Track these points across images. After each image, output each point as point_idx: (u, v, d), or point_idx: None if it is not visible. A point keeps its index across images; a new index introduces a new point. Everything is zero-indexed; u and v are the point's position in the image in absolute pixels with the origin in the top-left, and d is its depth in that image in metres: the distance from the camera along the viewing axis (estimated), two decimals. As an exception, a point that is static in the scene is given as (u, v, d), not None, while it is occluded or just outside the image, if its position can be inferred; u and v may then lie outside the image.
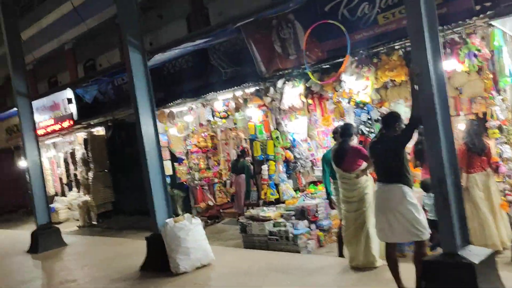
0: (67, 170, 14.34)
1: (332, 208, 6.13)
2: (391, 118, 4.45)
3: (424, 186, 5.38)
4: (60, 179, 14.83)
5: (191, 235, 6.14)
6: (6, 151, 16.65)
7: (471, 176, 5.51)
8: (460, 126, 6.15)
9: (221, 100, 9.32)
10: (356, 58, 6.60)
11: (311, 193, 7.71)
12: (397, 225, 4.26)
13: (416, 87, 4.05)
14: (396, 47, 6.34)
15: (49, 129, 13.35)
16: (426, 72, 3.92)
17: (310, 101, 7.61)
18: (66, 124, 12.66)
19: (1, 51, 11.68)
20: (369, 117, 7.09)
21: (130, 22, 6.48)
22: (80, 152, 12.77)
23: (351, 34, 6.43)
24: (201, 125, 10.12)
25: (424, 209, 4.96)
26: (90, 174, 12.08)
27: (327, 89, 7.11)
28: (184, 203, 10.36)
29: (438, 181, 3.92)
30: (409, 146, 5.60)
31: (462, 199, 4.03)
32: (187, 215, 6.52)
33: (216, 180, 10.99)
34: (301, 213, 7.03)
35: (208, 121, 9.74)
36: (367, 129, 7.04)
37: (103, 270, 6.92)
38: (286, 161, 8.36)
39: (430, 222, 4.54)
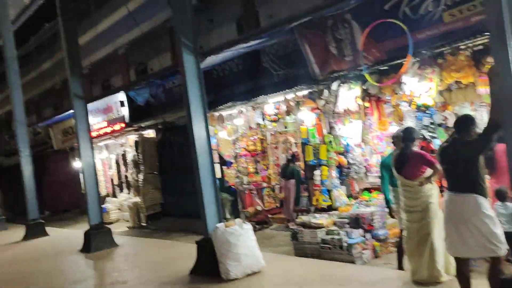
0: (118, 171, 14.65)
1: (392, 217, 5.79)
2: (465, 121, 4.07)
3: (500, 195, 4.93)
4: (112, 180, 15.16)
5: (242, 241, 5.98)
6: (62, 152, 17.29)
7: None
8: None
9: (272, 103, 9.18)
10: (418, 58, 6.25)
11: (366, 201, 7.39)
12: (470, 239, 3.90)
13: (495, 87, 3.71)
14: (462, 47, 5.94)
15: (102, 131, 13.77)
16: (507, 72, 3.57)
17: (367, 104, 7.31)
18: (118, 126, 13.02)
19: (60, 56, 12.13)
20: (432, 121, 6.67)
21: (184, 24, 6.44)
22: (131, 154, 13.01)
23: (412, 33, 6.10)
24: (250, 128, 10.02)
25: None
26: (140, 176, 12.27)
27: (385, 91, 6.80)
28: (232, 207, 10.30)
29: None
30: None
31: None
32: (238, 220, 6.39)
33: (264, 184, 10.83)
34: (355, 222, 6.70)
35: (258, 124, 9.61)
36: (429, 133, 6.62)
37: (153, 273, 6.90)
38: (339, 167, 8.10)
39: (505, 234, 4.12)
